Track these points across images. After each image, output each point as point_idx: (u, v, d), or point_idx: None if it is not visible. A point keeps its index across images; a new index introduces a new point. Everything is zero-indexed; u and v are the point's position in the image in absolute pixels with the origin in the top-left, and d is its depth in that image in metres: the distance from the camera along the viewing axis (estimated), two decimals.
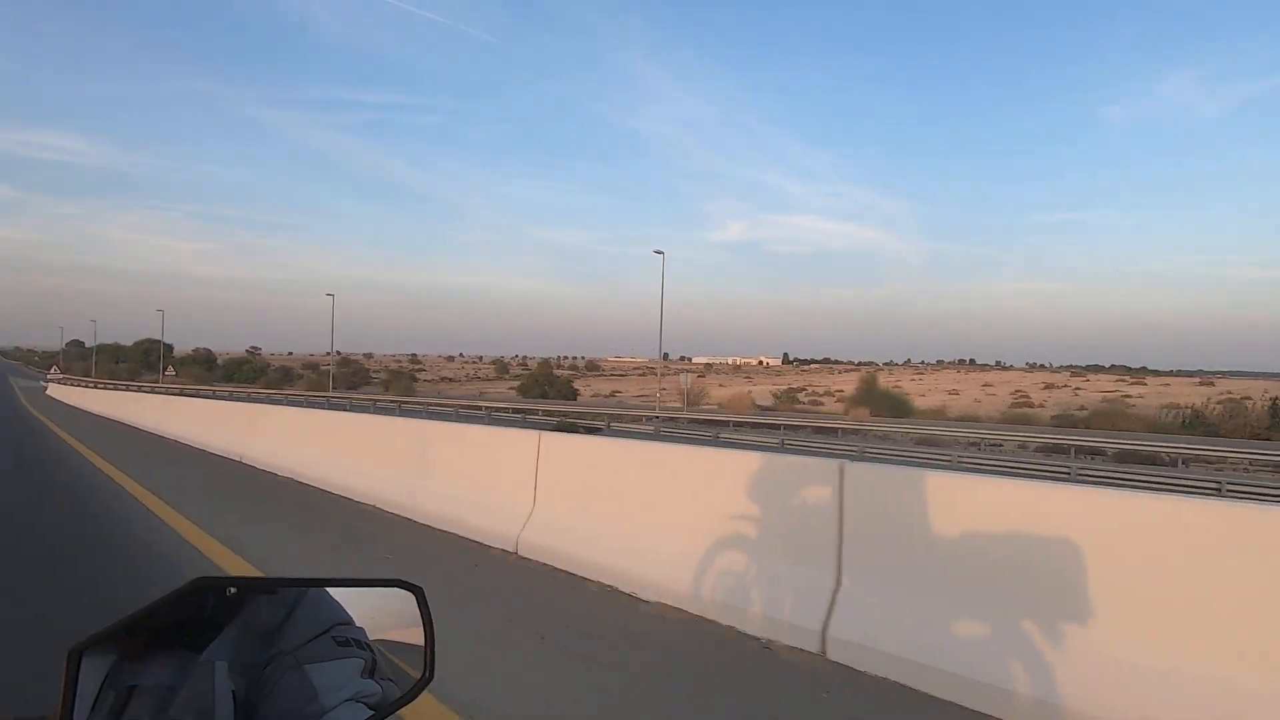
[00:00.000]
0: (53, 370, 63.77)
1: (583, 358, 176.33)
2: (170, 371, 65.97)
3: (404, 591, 0.82)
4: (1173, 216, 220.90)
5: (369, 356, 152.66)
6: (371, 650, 0.76)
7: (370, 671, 0.75)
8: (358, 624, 0.78)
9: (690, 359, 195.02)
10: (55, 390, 35.66)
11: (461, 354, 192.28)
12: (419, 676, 0.79)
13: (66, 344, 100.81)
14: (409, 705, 0.78)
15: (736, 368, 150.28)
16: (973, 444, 25.40)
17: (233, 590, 0.72)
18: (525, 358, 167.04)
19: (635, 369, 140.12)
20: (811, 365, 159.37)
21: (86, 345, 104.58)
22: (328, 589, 0.79)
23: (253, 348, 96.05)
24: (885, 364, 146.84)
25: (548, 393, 53.08)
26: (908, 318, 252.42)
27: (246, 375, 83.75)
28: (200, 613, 0.70)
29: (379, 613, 0.81)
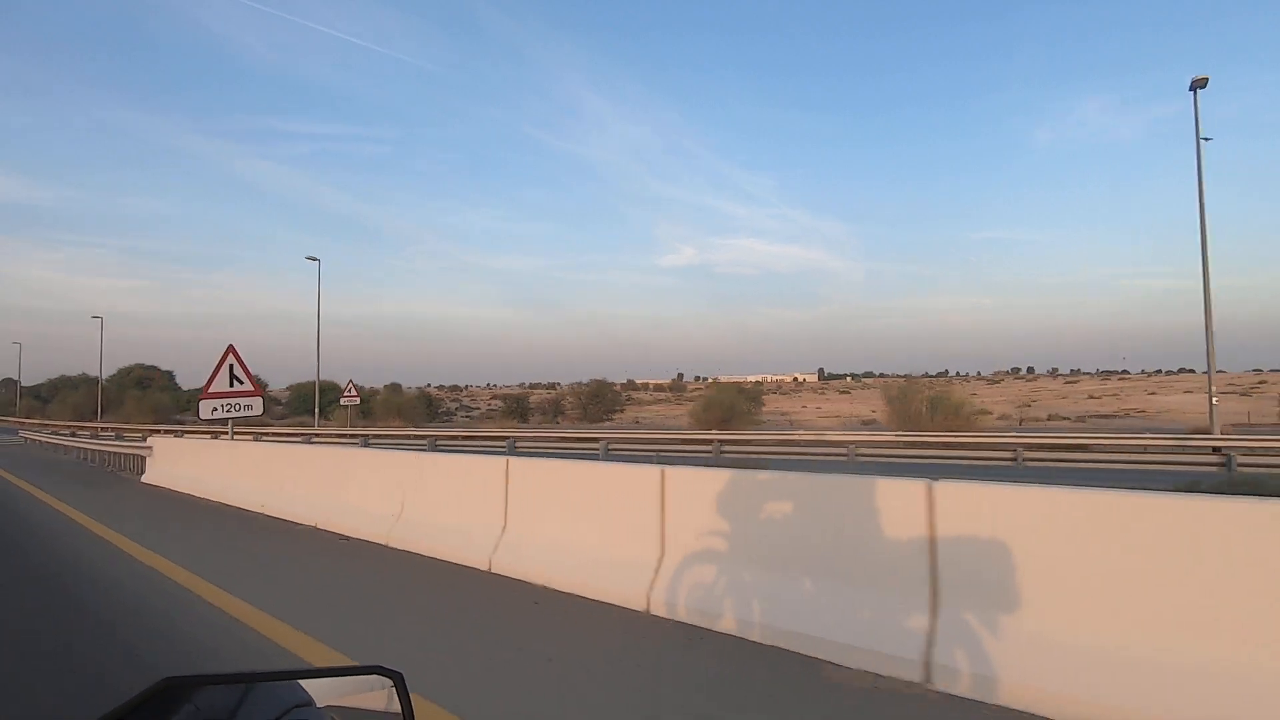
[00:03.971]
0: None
1: (636, 380, 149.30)
2: (354, 396, 35.40)
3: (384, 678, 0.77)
4: (1086, 232, 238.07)
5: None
6: None
7: None
8: (321, 705, 0.72)
9: (705, 379, 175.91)
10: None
11: (430, 384, 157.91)
12: None
13: None
14: None
15: (799, 384, 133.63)
16: None
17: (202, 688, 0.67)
18: (546, 384, 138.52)
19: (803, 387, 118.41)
20: (864, 380, 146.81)
21: (24, 384, 65.69)
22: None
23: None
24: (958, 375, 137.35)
25: None
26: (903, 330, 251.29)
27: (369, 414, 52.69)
28: (168, 717, 0.64)
29: (355, 697, 0.78)
